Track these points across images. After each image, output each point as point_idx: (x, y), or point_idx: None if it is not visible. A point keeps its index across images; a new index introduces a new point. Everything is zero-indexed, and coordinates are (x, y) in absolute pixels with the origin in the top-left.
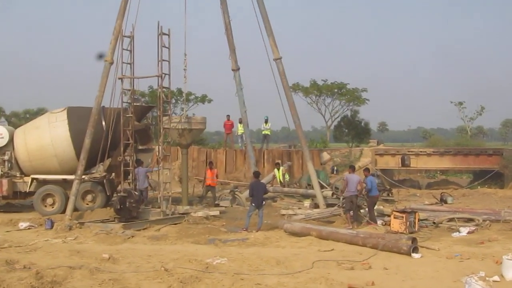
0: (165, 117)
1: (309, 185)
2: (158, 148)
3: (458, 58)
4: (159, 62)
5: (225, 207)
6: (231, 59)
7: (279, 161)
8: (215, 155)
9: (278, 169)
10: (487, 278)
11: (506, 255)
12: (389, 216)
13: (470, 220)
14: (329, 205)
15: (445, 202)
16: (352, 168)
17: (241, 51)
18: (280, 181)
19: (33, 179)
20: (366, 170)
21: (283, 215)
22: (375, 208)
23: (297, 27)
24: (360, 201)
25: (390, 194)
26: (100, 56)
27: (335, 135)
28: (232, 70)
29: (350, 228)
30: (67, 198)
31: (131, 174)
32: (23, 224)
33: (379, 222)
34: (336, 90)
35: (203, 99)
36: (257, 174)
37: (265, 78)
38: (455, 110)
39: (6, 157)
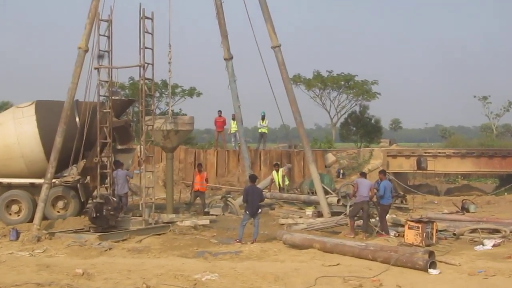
0: (148, 115)
1: (312, 191)
2: (140, 148)
3: (483, 47)
4: (141, 50)
5: (216, 215)
6: (223, 46)
7: (278, 163)
8: (204, 156)
9: (277, 172)
10: None
11: None
12: (403, 226)
13: (495, 231)
14: (334, 214)
15: (467, 211)
16: (363, 175)
17: (235, 38)
18: (279, 186)
19: None
20: (382, 172)
21: (282, 224)
22: (387, 217)
23: (298, 11)
24: (370, 209)
25: (404, 201)
26: (101, 56)
27: (342, 134)
28: (224, 59)
29: (351, 236)
30: (35, 205)
31: (108, 178)
32: None
33: (392, 233)
34: (343, 83)
35: (191, 92)
36: (253, 178)
37: (262, 69)
38: (479, 105)
39: None
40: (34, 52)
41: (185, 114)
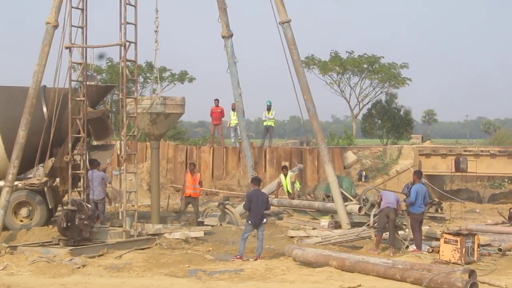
0: (130, 99)
1: (328, 197)
2: (120, 144)
3: None
4: (122, 26)
5: (212, 226)
6: (220, 22)
7: (287, 164)
8: (198, 154)
9: (286, 175)
10: None
11: None
12: (438, 240)
13: None
14: (355, 225)
15: None
16: (417, 175)
17: (236, 12)
18: (288, 191)
19: None
20: (417, 173)
21: (292, 237)
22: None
23: None
24: (400, 219)
25: (439, 210)
26: (101, 57)
27: (364, 128)
28: (222, 37)
29: (376, 252)
30: None
31: (82, 180)
32: None
33: (424, 248)
34: (366, 66)
35: (182, 77)
36: (257, 181)
37: (268, 48)
38: None
39: None
40: None
41: None
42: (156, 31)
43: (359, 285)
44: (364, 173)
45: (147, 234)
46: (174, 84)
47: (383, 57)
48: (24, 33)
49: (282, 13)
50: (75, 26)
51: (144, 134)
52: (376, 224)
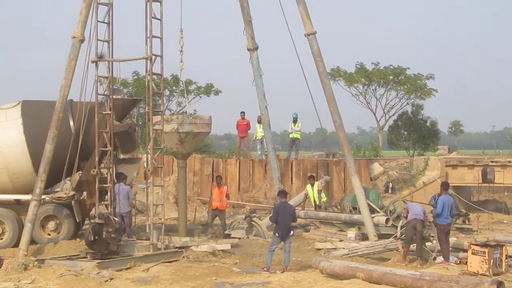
0: (157, 115)
1: (355, 209)
2: (147, 157)
3: None
4: (148, 39)
5: (239, 238)
6: (246, 34)
7: (313, 175)
8: (224, 167)
9: (312, 187)
10: None
11: None
12: (465, 251)
13: None
14: (382, 236)
15: None
16: (445, 187)
17: (261, 24)
18: (315, 203)
19: None
20: (445, 185)
21: (319, 249)
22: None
23: None
24: (426, 231)
25: (466, 221)
26: (100, 57)
27: (390, 140)
28: (248, 49)
29: (403, 264)
30: (21, 227)
31: (109, 194)
32: None
33: (452, 259)
34: (391, 77)
35: (208, 90)
36: (283, 194)
37: (292, 61)
38: None
39: None
40: (19, 42)
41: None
42: (181, 51)
43: None
44: (390, 185)
45: (174, 247)
46: (200, 97)
47: (408, 68)
48: (50, 48)
49: (307, 25)
50: (101, 40)
51: (171, 153)
52: (403, 236)
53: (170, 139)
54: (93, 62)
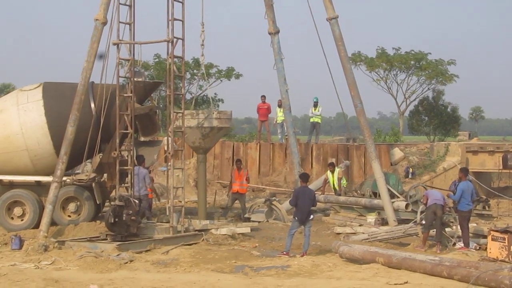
0: (177, 100)
1: (375, 194)
2: (167, 140)
3: None
4: (169, 22)
5: (259, 222)
6: (267, 18)
7: (333, 162)
8: (244, 151)
9: (333, 172)
10: None
11: None
12: (485, 237)
13: None
14: (401, 221)
15: None
16: (464, 172)
17: (283, 8)
18: (335, 188)
19: None
20: (464, 171)
21: (338, 234)
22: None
23: None
24: (446, 217)
25: (486, 207)
26: (101, 57)
27: (411, 125)
28: (269, 33)
29: (423, 249)
30: (41, 208)
31: (129, 176)
32: None
33: (472, 245)
34: (412, 63)
35: (229, 73)
36: (305, 177)
37: (313, 45)
38: None
39: None
40: (40, 24)
41: (221, 100)
42: (202, 45)
43: (406, 282)
44: (411, 170)
45: (194, 230)
46: (221, 80)
47: (430, 53)
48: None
49: (329, 9)
50: (122, 23)
51: (192, 148)
52: (423, 221)
53: (193, 134)
54: (114, 44)
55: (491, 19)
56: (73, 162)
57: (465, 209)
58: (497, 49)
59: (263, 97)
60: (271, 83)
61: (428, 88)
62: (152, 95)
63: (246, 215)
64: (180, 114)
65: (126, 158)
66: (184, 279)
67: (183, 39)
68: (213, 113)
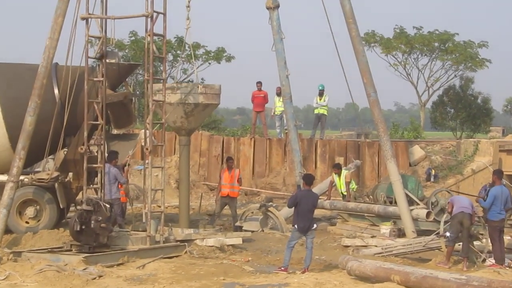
0: (158, 83)
1: (390, 199)
2: (145, 133)
3: None
4: None
5: (252, 231)
6: None
7: (339, 163)
8: (236, 147)
9: (339, 174)
10: None
11: None
12: None
13: None
14: (421, 233)
15: None
16: (498, 174)
17: None
18: (342, 193)
19: None
20: (498, 173)
21: (347, 247)
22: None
23: None
24: (475, 228)
25: None
26: (101, 57)
27: (434, 118)
28: (267, 8)
29: (446, 266)
30: None
31: (99, 175)
32: None
33: (506, 262)
34: (437, 45)
35: (219, 55)
36: (309, 179)
37: (321, 23)
38: None
39: None
40: None
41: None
42: (188, 7)
43: None
44: (433, 172)
45: (176, 240)
46: (209, 63)
47: (457, 34)
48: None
49: None
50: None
51: (173, 129)
52: (447, 233)
53: (174, 112)
54: (83, 19)
55: None
56: (33, 158)
57: (496, 218)
58: None
59: (259, 83)
60: (268, 67)
61: (455, 75)
62: (127, 79)
63: (238, 223)
64: (160, 91)
65: (96, 154)
66: None
67: (164, 14)
68: (198, 87)
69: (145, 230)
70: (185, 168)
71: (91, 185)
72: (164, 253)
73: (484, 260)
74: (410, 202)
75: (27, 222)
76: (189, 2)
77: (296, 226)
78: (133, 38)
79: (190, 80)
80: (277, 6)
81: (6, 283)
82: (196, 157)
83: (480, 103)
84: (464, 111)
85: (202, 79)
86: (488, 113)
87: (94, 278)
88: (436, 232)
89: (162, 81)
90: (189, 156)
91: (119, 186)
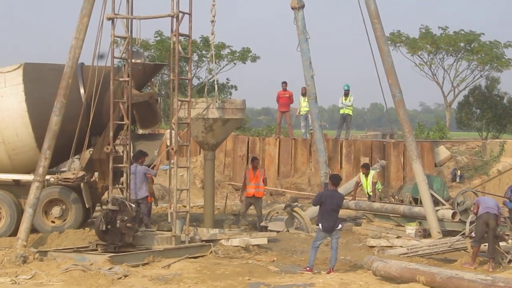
0: (183, 86)
1: (415, 200)
2: (170, 133)
3: None
4: None
5: (277, 232)
6: None
7: (368, 163)
8: (261, 147)
9: (366, 175)
10: None
11: None
12: None
13: None
14: (447, 233)
15: None
16: None
17: None
18: (368, 193)
19: None
20: None
21: (372, 247)
22: None
23: None
24: (501, 229)
25: None
26: (101, 57)
27: (460, 119)
28: (292, 8)
29: (472, 267)
30: (20, 212)
31: (125, 175)
32: None
33: None
34: (462, 45)
35: (244, 56)
36: (336, 180)
37: (346, 23)
38: None
39: None
40: None
41: (234, 87)
42: (212, 22)
43: None
44: (459, 173)
45: (201, 240)
46: (235, 63)
47: (483, 34)
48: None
49: None
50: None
51: (197, 143)
52: (473, 233)
53: (194, 126)
54: (109, 19)
55: None
56: (59, 158)
57: None
58: None
59: (284, 84)
60: (294, 67)
61: (481, 75)
62: (152, 79)
63: (263, 224)
64: (186, 103)
65: (121, 154)
66: None
67: (190, 14)
68: (217, 101)
69: (170, 230)
70: (209, 179)
71: (117, 185)
72: (189, 253)
73: (510, 261)
74: (436, 202)
75: (53, 222)
76: (213, 17)
77: (320, 225)
78: (158, 38)
79: (217, 80)
80: (302, 6)
81: (32, 282)
82: (221, 157)
83: (506, 103)
84: (489, 111)
85: (227, 79)
86: None
87: (120, 278)
88: (461, 233)
89: (187, 81)
90: (213, 171)
91: (153, 182)
